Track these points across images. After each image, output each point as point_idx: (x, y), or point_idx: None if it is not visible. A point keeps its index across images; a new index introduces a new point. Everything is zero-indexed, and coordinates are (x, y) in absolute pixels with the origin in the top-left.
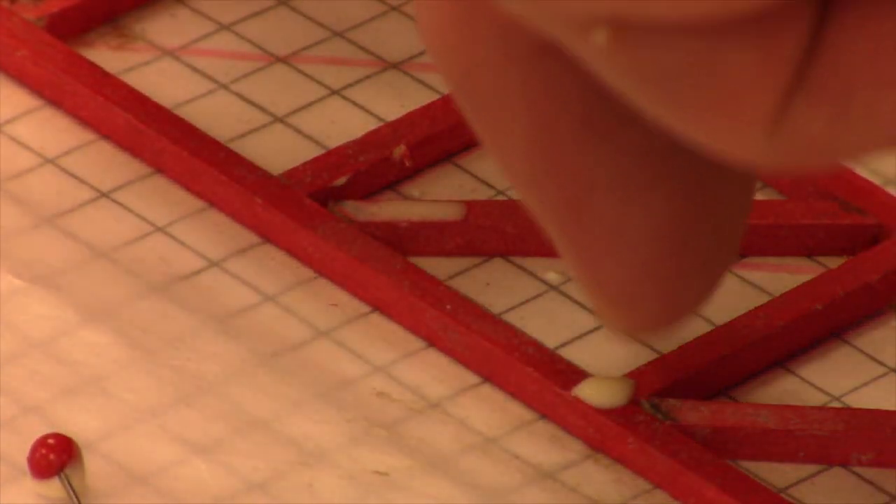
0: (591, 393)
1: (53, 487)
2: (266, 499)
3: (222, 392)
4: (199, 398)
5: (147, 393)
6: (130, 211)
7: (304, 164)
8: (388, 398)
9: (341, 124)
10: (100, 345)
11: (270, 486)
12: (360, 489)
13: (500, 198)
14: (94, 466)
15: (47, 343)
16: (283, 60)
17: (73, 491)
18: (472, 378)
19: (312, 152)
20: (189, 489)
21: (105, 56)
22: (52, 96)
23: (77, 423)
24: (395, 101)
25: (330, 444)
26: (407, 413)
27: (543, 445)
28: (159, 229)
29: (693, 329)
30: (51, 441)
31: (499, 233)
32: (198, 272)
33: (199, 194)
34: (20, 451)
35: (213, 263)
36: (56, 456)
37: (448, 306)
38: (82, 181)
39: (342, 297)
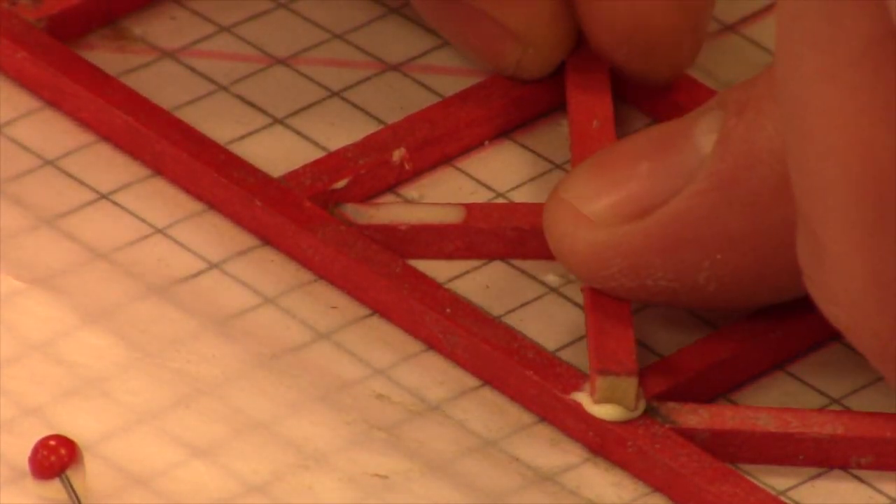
0: (603, 411)
1: (54, 489)
2: (266, 500)
3: (222, 394)
4: (199, 400)
5: (147, 395)
6: (130, 213)
7: (304, 166)
8: (388, 400)
9: (341, 126)
10: (99, 347)
11: (270, 489)
12: (360, 492)
13: (500, 200)
14: (93, 468)
15: (47, 345)
16: (282, 62)
17: (75, 493)
18: (471, 381)
19: (312, 154)
20: (189, 491)
21: (105, 58)
22: (52, 98)
23: (77, 424)
24: (394, 104)
25: (329, 447)
26: (406, 415)
27: (543, 448)
28: (159, 231)
29: (693, 332)
30: (52, 443)
31: (498, 235)
32: (197, 274)
33: (198, 196)
34: (20, 452)
35: (212, 265)
36: (57, 458)
37: (447, 309)
38: (82, 183)
39: (342, 299)
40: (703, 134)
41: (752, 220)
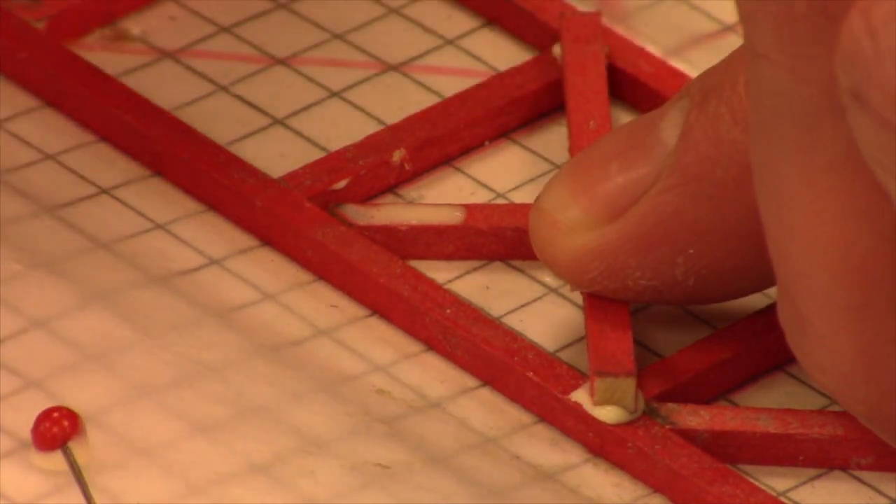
0: (607, 414)
1: (55, 461)
2: (267, 481)
3: (224, 378)
4: (201, 381)
5: (149, 371)
6: (131, 209)
7: (304, 167)
8: (389, 396)
9: (341, 127)
10: (102, 328)
11: (272, 470)
12: (361, 479)
13: (500, 201)
14: (95, 439)
15: (49, 321)
16: (282, 62)
17: (76, 464)
18: (471, 381)
19: (312, 155)
20: (191, 463)
21: (104, 58)
22: (52, 98)
23: (78, 397)
24: (394, 104)
25: (331, 436)
26: (407, 411)
27: (543, 449)
28: (159, 226)
29: (692, 332)
30: (55, 414)
31: (498, 236)
32: (197, 269)
33: (198, 197)
34: (22, 425)
35: (212, 262)
36: (60, 429)
37: (447, 310)
38: (81, 183)
39: (342, 300)
40: (668, 128)
41: (720, 213)
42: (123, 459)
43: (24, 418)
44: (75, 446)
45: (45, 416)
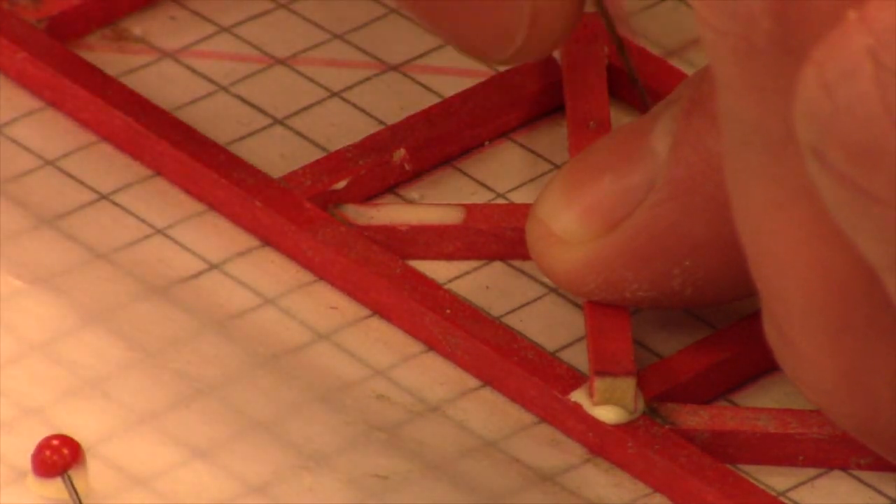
0: (606, 414)
1: (55, 488)
2: (266, 501)
3: (222, 395)
4: (199, 401)
5: (147, 395)
6: (130, 213)
7: (304, 167)
8: (388, 401)
9: (341, 127)
10: (99, 347)
11: (270, 489)
12: (360, 492)
13: (500, 201)
14: (94, 469)
15: (47, 345)
16: (282, 62)
17: (76, 492)
18: (471, 382)
19: (312, 155)
20: (189, 492)
21: (105, 58)
22: (52, 98)
23: (77, 425)
24: (394, 104)
25: (330, 448)
26: (407, 416)
27: (543, 449)
28: (159, 231)
29: (692, 333)
30: (55, 442)
31: (498, 236)
32: (197, 275)
33: (198, 197)
34: (20, 452)
35: (212, 266)
36: (60, 457)
37: (447, 310)
38: (82, 183)
39: (342, 300)
40: (659, 137)
41: (714, 225)
42: (122, 488)
43: (22, 445)
44: (75, 474)
45: (46, 443)
